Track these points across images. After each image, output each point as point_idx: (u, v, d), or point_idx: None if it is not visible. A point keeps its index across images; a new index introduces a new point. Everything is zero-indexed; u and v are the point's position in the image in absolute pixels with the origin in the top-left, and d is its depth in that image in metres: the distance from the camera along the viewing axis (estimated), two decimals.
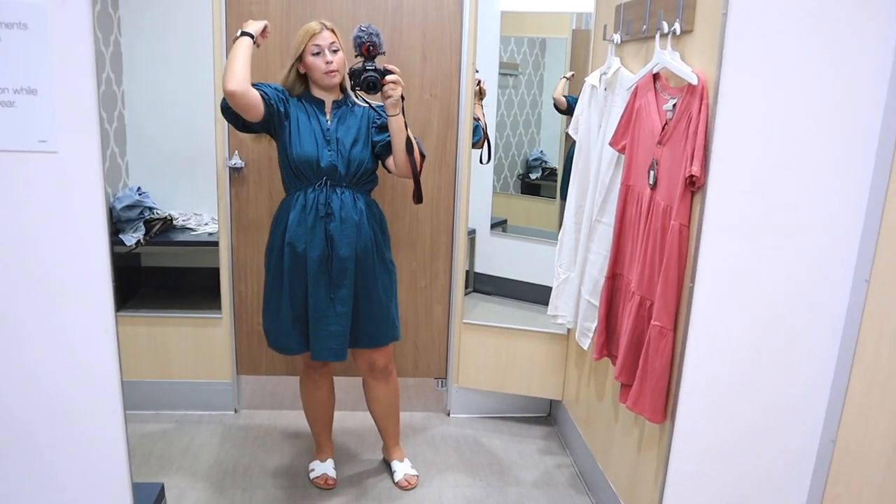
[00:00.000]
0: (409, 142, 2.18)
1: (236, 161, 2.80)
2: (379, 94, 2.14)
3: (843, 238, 1.69)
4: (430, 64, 2.81)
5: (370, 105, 2.27)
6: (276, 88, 2.22)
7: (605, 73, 2.27)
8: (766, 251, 1.70)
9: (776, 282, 1.72)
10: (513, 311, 3.49)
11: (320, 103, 2.26)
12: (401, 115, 2.16)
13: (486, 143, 3.03)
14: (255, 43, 2.15)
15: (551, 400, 3.10)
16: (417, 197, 2.29)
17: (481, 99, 3.03)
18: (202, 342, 2.96)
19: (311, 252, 2.22)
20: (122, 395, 1.51)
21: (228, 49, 2.71)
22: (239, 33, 2.15)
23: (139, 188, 3.70)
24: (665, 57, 1.82)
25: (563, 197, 3.35)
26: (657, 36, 1.87)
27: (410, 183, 2.32)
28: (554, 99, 3.27)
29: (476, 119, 2.94)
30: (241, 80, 2.05)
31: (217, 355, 2.98)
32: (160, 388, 2.99)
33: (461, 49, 2.77)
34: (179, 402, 3.02)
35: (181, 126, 3.37)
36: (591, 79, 2.38)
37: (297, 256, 2.23)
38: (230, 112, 2.17)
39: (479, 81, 3.00)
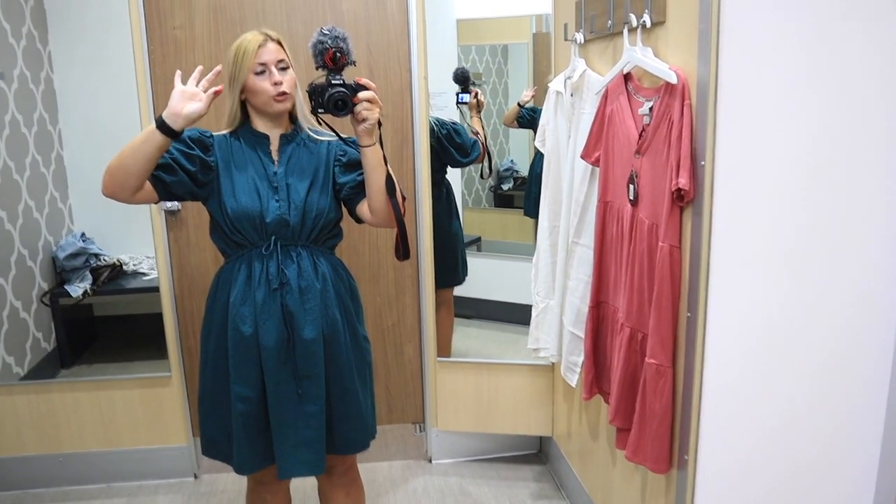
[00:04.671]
0: (389, 179, 1.68)
1: (172, 204, 2.53)
2: (349, 116, 1.63)
3: (888, 258, 1.37)
4: (377, 81, 2.55)
5: (338, 134, 1.77)
6: (186, 146, 1.67)
7: (569, 77, 2.03)
8: (791, 273, 1.41)
9: (808, 309, 1.43)
10: (494, 334, 3.31)
11: (263, 140, 1.74)
12: (378, 144, 1.65)
13: (486, 157, 2.84)
14: (177, 136, 1.57)
15: (541, 436, 2.84)
16: (404, 251, 1.76)
17: (480, 111, 2.85)
18: (152, 404, 2.68)
19: (265, 337, 1.69)
20: None
21: (154, 79, 2.48)
22: (156, 122, 1.54)
23: (83, 234, 3.45)
24: (636, 54, 1.58)
25: (530, 213, 3.19)
26: (625, 31, 1.63)
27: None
28: (505, 125, 3.14)
29: (475, 133, 2.78)
30: (119, 191, 1.57)
31: (169, 417, 2.69)
32: (109, 458, 2.70)
33: (410, 63, 2.53)
34: (132, 473, 2.72)
35: None
36: (556, 84, 2.14)
37: (245, 343, 1.70)
38: None
39: (477, 93, 2.84)
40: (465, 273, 3.05)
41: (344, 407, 1.79)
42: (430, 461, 2.84)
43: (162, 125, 1.53)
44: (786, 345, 1.44)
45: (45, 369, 3.20)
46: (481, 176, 3.01)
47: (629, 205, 1.68)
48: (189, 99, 1.55)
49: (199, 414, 1.85)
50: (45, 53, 3.29)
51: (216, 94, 1.58)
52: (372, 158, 1.66)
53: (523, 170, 3.43)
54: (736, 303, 1.44)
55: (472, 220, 3.40)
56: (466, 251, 3.30)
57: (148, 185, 1.61)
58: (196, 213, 2.58)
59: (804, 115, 1.35)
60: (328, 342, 1.75)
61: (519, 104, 2.97)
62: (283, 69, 1.70)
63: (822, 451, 1.47)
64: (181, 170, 1.66)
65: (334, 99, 1.60)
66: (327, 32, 1.62)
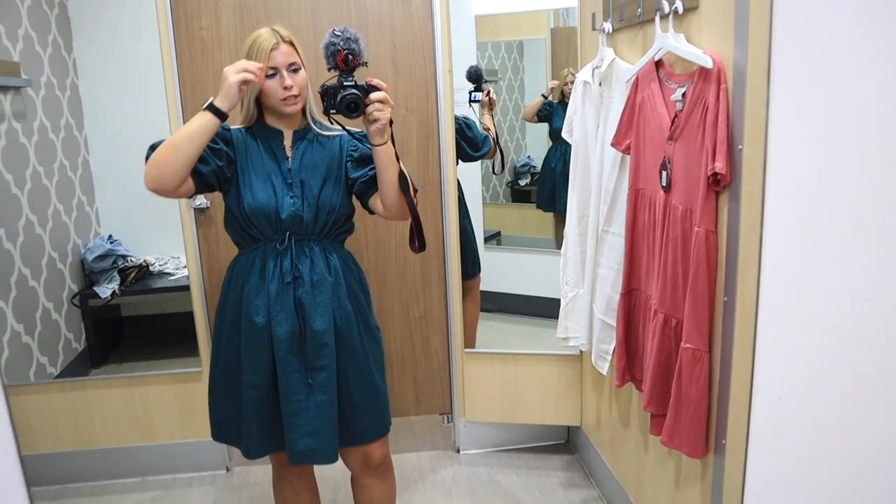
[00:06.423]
0: (402, 175, 1.71)
1: (201, 201, 2.57)
2: (361, 117, 1.65)
3: None
4: (402, 76, 2.59)
5: (347, 130, 1.78)
6: (212, 140, 1.69)
7: (597, 67, 2.04)
8: (841, 256, 1.40)
9: (865, 297, 1.41)
10: (516, 327, 3.33)
11: (277, 136, 1.78)
12: (390, 143, 1.68)
13: (498, 153, 2.87)
14: (224, 120, 1.63)
15: (569, 425, 2.86)
16: (419, 243, 1.81)
17: (492, 109, 2.88)
18: (184, 399, 2.72)
19: (277, 327, 1.73)
20: None
21: (181, 80, 2.52)
22: (206, 104, 1.60)
23: (110, 236, 3.50)
24: (669, 40, 1.59)
25: (544, 207, 3.21)
26: (657, 18, 1.64)
27: None
28: (524, 118, 3.15)
29: (486, 129, 2.81)
30: (168, 182, 1.60)
31: (201, 411, 2.72)
32: (144, 452, 2.75)
33: (435, 57, 2.55)
34: (167, 466, 2.77)
35: None
36: (583, 74, 2.15)
37: (258, 333, 1.75)
38: None
39: (489, 91, 2.86)
40: (475, 268, 3.06)
41: (364, 396, 1.84)
42: (458, 452, 2.86)
43: (213, 108, 1.59)
44: (843, 330, 1.43)
45: (76, 369, 3.25)
46: (493, 171, 3.04)
47: (662, 191, 1.70)
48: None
49: (208, 398, 1.90)
50: (71, 61, 3.33)
51: (262, 68, 1.64)
52: (384, 157, 1.69)
53: (540, 165, 3.45)
54: (788, 286, 1.43)
55: (491, 215, 3.42)
56: (486, 245, 3.32)
57: (187, 189, 1.67)
58: (224, 210, 2.61)
59: (857, 99, 1.33)
60: (342, 334, 1.79)
61: (543, 95, 3.00)
62: (295, 71, 1.72)
63: (879, 433, 1.46)
64: (213, 163, 1.71)
65: (347, 101, 1.62)
66: (339, 34, 1.64)
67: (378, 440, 1.90)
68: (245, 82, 1.60)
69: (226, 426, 1.88)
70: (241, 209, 1.74)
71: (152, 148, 1.64)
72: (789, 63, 1.33)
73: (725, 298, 1.51)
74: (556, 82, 3.02)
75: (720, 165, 1.42)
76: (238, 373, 1.80)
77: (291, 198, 1.74)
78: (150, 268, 3.44)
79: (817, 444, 1.50)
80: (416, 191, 1.78)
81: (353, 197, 1.85)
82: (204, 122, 1.60)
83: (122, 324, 3.66)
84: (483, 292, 3.17)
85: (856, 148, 1.35)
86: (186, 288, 2.72)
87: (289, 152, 1.79)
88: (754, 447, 1.50)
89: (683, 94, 1.58)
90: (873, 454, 1.48)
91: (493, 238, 3.41)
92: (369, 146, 1.71)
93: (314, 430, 1.77)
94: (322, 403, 1.77)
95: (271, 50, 1.68)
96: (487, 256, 3.27)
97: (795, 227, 1.39)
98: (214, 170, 1.71)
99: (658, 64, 1.70)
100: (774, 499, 1.54)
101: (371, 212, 1.84)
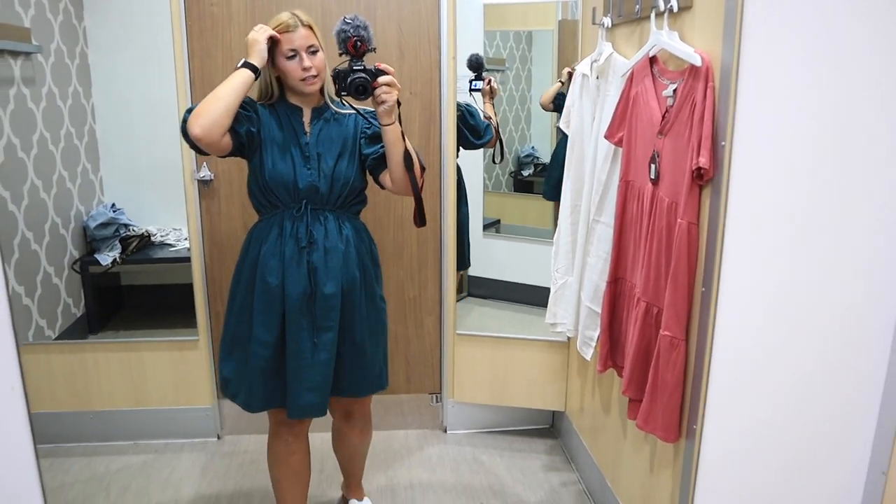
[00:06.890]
0: (407, 154, 1.84)
1: (205, 173, 2.63)
2: (370, 99, 1.79)
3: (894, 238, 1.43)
4: (407, 60, 2.64)
5: (358, 111, 1.92)
6: (243, 108, 1.83)
7: (596, 61, 2.09)
8: (804, 253, 1.47)
9: (816, 289, 1.48)
10: (510, 314, 3.37)
11: (297, 112, 1.91)
12: (397, 123, 1.82)
13: (498, 142, 2.93)
14: (258, 76, 1.80)
15: (553, 410, 2.92)
16: (420, 219, 1.92)
17: (492, 98, 2.93)
18: (180, 366, 2.79)
19: (291, 288, 1.87)
20: (38, 464, 1.22)
21: (191, 54, 2.57)
22: (241, 63, 1.77)
23: (113, 205, 3.54)
24: (663, 37, 1.64)
25: (549, 197, 3.24)
26: (652, 15, 1.69)
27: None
28: (542, 104, 3.16)
29: (487, 118, 2.86)
30: (215, 129, 1.71)
31: (196, 379, 2.80)
32: (137, 416, 2.81)
33: (440, 43, 2.60)
34: (159, 431, 2.84)
35: (155, 138, 3.19)
36: (582, 67, 2.20)
37: (271, 293, 1.88)
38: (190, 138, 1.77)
39: (490, 80, 2.91)
40: (464, 263, 3.06)
41: (351, 357, 1.97)
42: (445, 431, 2.93)
43: (248, 65, 1.76)
44: (794, 319, 1.50)
45: (74, 334, 3.31)
46: (493, 160, 3.08)
47: (650, 184, 1.75)
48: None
49: (218, 353, 2.03)
50: (81, 29, 3.37)
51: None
52: (391, 135, 1.82)
53: (544, 157, 3.48)
54: (747, 278, 1.50)
55: (492, 204, 3.46)
56: (485, 232, 3.36)
57: (228, 141, 1.79)
58: (227, 184, 2.67)
59: (822, 98, 1.39)
60: (345, 297, 1.92)
61: (561, 82, 3.02)
62: (313, 53, 1.85)
63: (827, 421, 1.54)
64: (246, 126, 1.84)
65: (356, 84, 1.76)
66: (350, 21, 1.77)
67: (358, 398, 2.06)
68: (269, 38, 1.78)
69: (228, 381, 2.00)
70: (262, 177, 1.87)
71: (189, 111, 1.76)
72: (758, 61, 1.39)
73: (703, 289, 1.56)
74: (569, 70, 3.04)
75: (704, 160, 1.47)
76: (247, 332, 1.92)
77: (308, 169, 1.88)
78: (152, 238, 3.49)
79: (767, 425, 1.58)
80: (423, 168, 1.91)
81: (366, 172, 1.98)
82: (243, 76, 1.76)
83: (121, 292, 3.71)
84: (480, 278, 3.22)
85: (818, 146, 1.41)
86: (187, 259, 2.78)
87: (307, 128, 1.92)
88: (709, 426, 1.58)
89: (675, 91, 1.63)
90: (822, 431, 1.56)
91: (493, 226, 3.46)
92: (379, 125, 1.83)
93: (315, 386, 1.91)
94: (324, 361, 1.91)
95: (289, 32, 1.81)
96: (486, 243, 3.31)
97: (755, 220, 1.47)
98: (247, 132, 1.84)
99: (652, 60, 1.74)
100: (724, 474, 1.62)
101: (382, 186, 1.97)
